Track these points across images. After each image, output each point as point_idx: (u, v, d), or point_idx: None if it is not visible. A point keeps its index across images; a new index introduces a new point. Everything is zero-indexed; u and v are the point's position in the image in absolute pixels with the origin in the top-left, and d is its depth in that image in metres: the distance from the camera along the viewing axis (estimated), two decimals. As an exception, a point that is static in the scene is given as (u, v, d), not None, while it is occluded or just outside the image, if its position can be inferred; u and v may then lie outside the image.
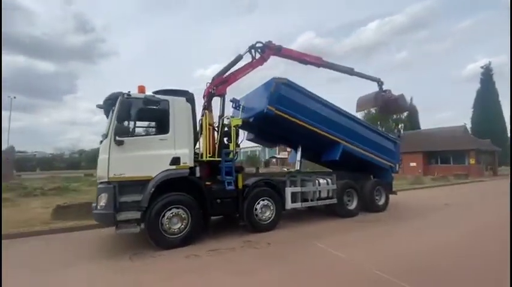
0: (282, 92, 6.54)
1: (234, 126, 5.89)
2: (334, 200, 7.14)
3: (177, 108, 5.23)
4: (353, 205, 7.58)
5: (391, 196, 9.02)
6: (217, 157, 5.67)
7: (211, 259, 4.35)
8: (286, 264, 4.10)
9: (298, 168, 8.28)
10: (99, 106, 4.93)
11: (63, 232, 6.17)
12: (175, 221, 4.89)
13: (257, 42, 7.56)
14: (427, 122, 65.86)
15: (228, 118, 6.13)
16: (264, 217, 5.91)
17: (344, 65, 9.68)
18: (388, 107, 10.43)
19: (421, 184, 16.59)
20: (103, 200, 4.49)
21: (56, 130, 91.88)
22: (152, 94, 5.10)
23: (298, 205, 6.53)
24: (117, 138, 4.54)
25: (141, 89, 5.17)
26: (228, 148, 5.87)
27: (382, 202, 8.28)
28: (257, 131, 8.30)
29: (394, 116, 36.43)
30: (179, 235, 4.90)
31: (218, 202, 5.46)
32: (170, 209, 4.86)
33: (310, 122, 6.92)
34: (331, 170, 9.33)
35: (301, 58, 8.56)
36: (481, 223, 6.57)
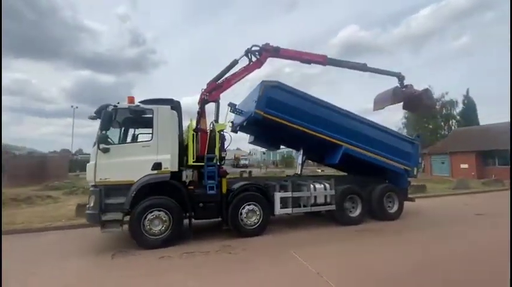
0: (271, 94, 6.41)
1: (218, 131, 5.99)
2: (333, 207, 6.72)
3: (161, 116, 5.53)
4: (356, 212, 7.03)
5: (410, 204, 8.17)
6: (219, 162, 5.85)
7: (181, 262, 4.50)
8: (250, 272, 4.06)
9: (298, 172, 8.03)
10: (91, 117, 5.48)
11: (76, 228, 6.98)
12: (156, 223, 5.18)
13: (253, 45, 7.56)
14: (488, 117, 57.02)
15: (215, 123, 6.24)
16: (249, 222, 5.87)
17: (355, 61, 9.11)
18: (411, 103, 9.47)
19: (466, 188, 14.49)
20: (91, 201, 5.00)
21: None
22: (137, 104, 5.48)
23: (288, 210, 6.32)
24: (102, 146, 5.00)
25: (130, 99, 5.60)
26: (219, 152, 5.98)
27: (394, 209, 7.52)
28: (256, 134, 8.28)
29: (444, 111, 32.47)
30: (160, 236, 5.17)
31: (201, 206, 5.61)
32: (152, 212, 5.16)
33: (304, 125, 6.64)
34: (345, 174, 8.84)
35: (303, 58, 8.29)
36: (496, 240, 5.43)
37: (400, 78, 9.44)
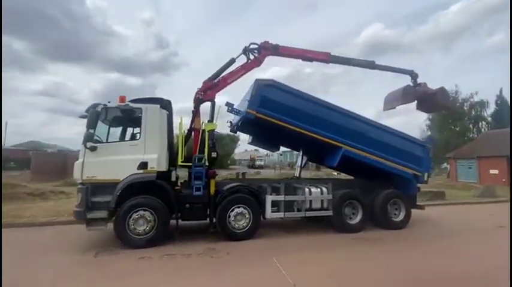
0: (265, 93, 6.17)
1: (207, 131, 5.86)
2: (330, 212, 6.34)
3: (150, 115, 5.50)
4: (356, 219, 6.59)
5: (422, 212, 7.55)
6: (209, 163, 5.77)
7: (160, 263, 4.41)
8: (223, 278, 3.87)
9: (297, 174, 7.70)
10: (81, 116, 5.57)
11: (74, 224, 7.11)
12: (141, 222, 5.15)
13: (251, 43, 7.38)
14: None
15: (206, 123, 6.12)
16: (238, 226, 5.67)
17: (364, 59, 8.63)
18: (425, 103, 8.81)
19: (492, 196, 13.22)
20: (78, 199, 5.07)
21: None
22: (127, 103, 5.50)
23: (280, 214, 6.04)
24: (89, 144, 5.06)
25: (122, 99, 5.62)
26: (209, 152, 5.86)
27: (400, 217, 6.96)
28: (254, 135, 8.07)
29: (473, 113, 30.12)
30: (144, 236, 5.13)
31: (187, 207, 5.51)
32: (137, 211, 5.13)
33: (301, 125, 6.33)
34: (352, 177, 8.36)
35: (304, 55, 7.98)
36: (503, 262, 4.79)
37: (413, 76, 8.81)
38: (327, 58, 8.18)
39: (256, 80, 6.30)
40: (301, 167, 7.73)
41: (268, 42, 7.59)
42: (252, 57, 7.26)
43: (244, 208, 5.76)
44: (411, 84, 8.88)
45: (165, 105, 5.79)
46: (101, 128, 5.41)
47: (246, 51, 7.28)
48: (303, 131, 6.36)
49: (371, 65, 8.62)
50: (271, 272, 4.01)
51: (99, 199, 5.11)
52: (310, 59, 8.15)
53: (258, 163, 48.85)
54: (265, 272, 4.05)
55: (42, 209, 8.69)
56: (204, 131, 5.99)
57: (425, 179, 7.34)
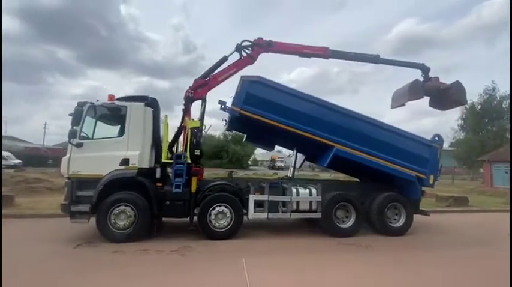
0: (250, 90, 6.02)
1: (190, 129, 5.85)
2: (318, 215, 6.00)
3: (134, 112, 5.62)
4: (348, 223, 6.16)
5: (433, 218, 6.93)
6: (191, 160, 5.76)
7: (128, 258, 4.47)
8: (180, 276, 3.81)
9: (290, 175, 7.42)
10: (70, 114, 5.83)
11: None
12: (122, 217, 5.26)
13: (244, 40, 7.28)
14: None
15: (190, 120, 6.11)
16: (218, 225, 5.57)
17: (367, 53, 8.13)
18: (438, 99, 8.09)
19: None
20: (64, 193, 5.32)
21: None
22: (112, 101, 5.67)
23: (263, 215, 5.83)
24: (75, 141, 5.29)
25: (110, 97, 5.84)
26: (191, 150, 5.86)
27: (400, 223, 6.39)
28: (247, 133, 7.93)
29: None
30: (124, 230, 5.24)
31: (167, 203, 5.53)
32: (118, 206, 5.26)
33: (289, 123, 6.08)
34: (358, 179, 7.88)
35: (301, 51, 7.72)
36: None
37: (424, 70, 8.13)
38: (325, 53, 7.82)
39: (242, 77, 6.18)
40: (295, 167, 7.43)
41: (262, 39, 7.44)
42: (245, 54, 7.16)
43: (226, 207, 5.65)
44: (422, 78, 8.21)
45: (151, 103, 5.88)
46: (89, 125, 5.63)
47: (239, 48, 7.19)
48: (290, 129, 6.11)
49: (375, 60, 8.10)
50: (233, 273, 3.87)
51: (83, 193, 5.32)
52: (307, 55, 7.85)
53: (278, 163, 48.40)
54: (226, 273, 3.91)
55: (56, 202, 9.32)
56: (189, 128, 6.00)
57: (431, 182, 6.66)
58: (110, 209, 5.23)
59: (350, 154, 6.20)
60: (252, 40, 7.41)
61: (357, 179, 8.06)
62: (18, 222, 6.92)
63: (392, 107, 8.61)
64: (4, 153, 28.61)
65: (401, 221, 6.39)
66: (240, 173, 19.29)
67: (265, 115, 6.03)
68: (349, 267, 4.32)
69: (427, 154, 6.72)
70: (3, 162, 26.75)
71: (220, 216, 5.61)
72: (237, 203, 5.72)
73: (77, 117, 5.29)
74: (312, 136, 6.16)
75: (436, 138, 6.93)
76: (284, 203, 5.98)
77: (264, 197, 5.85)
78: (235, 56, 7.20)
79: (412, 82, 7.82)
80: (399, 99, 8.36)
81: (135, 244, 5.07)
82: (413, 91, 7.82)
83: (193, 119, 6.05)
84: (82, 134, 5.47)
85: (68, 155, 5.39)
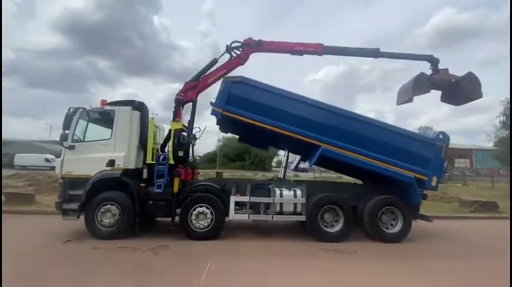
0: (232, 90, 6.01)
1: (173, 130, 5.98)
2: (302, 218, 5.76)
3: (121, 116, 5.92)
4: (336, 227, 5.82)
5: (446, 225, 6.36)
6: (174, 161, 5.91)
7: (105, 254, 4.69)
8: (140, 272, 3.92)
9: (281, 176, 7.22)
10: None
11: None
12: (108, 215, 5.54)
13: (233, 41, 7.32)
14: None
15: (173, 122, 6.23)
16: (199, 225, 5.61)
17: (367, 47, 7.70)
18: (449, 93, 7.38)
19: None
20: (58, 192, 5.76)
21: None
22: (102, 106, 6.03)
23: (244, 216, 5.75)
24: (66, 143, 5.70)
25: (103, 102, 6.22)
26: (174, 151, 5.98)
27: (396, 229, 5.88)
28: (239, 134, 7.89)
29: None
30: (110, 228, 5.51)
31: (150, 203, 5.70)
32: (105, 205, 5.56)
33: (273, 123, 5.95)
34: (362, 182, 7.42)
35: (292, 49, 7.53)
36: None
37: (433, 62, 7.46)
38: (319, 49, 7.55)
39: (224, 78, 6.19)
40: (286, 168, 7.22)
41: (251, 39, 7.40)
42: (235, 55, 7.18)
43: (207, 208, 5.67)
44: (430, 71, 7.54)
45: (138, 106, 6.13)
46: (82, 129, 6.03)
47: (229, 49, 7.23)
48: (274, 129, 5.96)
49: (375, 54, 7.64)
50: (190, 276, 3.84)
51: (75, 192, 5.69)
52: (301, 52, 7.63)
53: (301, 165, 47.30)
54: (185, 275, 3.90)
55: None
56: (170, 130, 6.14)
57: (434, 184, 6.03)
58: (97, 207, 5.53)
59: (337, 154, 5.86)
60: (242, 41, 7.42)
61: (353, 181, 7.61)
62: (32, 218, 7.62)
63: (398, 103, 8.00)
64: (49, 156, 31.92)
65: (398, 227, 5.87)
66: (259, 175, 19.26)
67: (248, 115, 5.97)
68: (313, 274, 4.05)
69: (429, 153, 6.10)
70: (47, 164, 29.93)
71: (201, 217, 5.64)
72: (218, 204, 5.71)
73: (67, 122, 5.70)
74: (297, 136, 5.94)
75: (441, 136, 6.27)
76: (267, 205, 5.84)
77: (245, 199, 5.77)
78: (227, 58, 7.31)
79: (416, 76, 7.20)
80: (404, 95, 7.74)
81: (118, 241, 5.29)
82: (417, 85, 7.19)
83: (176, 121, 6.16)
84: (75, 137, 5.89)
85: (61, 156, 5.83)
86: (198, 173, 7.58)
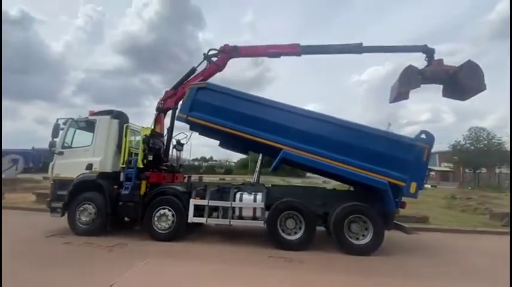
0: (196, 97, 6.20)
1: (143, 136, 6.38)
2: (260, 223, 5.57)
3: (101, 124, 6.56)
4: (297, 235, 5.47)
5: (447, 239, 5.66)
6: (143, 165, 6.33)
7: (71, 249, 5.19)
8: (83, 267, 4.26)
9: (254, 180, 7.07)
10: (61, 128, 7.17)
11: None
12: (85, 214, 6.15)
13: (210, 49, 7.60)
14: None
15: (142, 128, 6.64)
16: (161, 226, 5.85)
17: (348, 43, 7.25)
18: (449, 86, 6.56)
19: None
20: (49, 192, 6.59)
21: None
22: (85, 117, 6.76)
23: (202, 219, 5.78)
24: (56, 150, 6.52)
25: (90, 112, 7.00)
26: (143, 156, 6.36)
27: (365, 240, 5.29)
28: (218, 139, 7.95)
29: None
30: (86, 225, 6.11)
31: (120, 204, 6.14)
32: (84, 204, 6.19)
33: (234, 126, 5.95)
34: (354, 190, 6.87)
35: (269, 52, 7.50)
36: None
37: (428, 53, 6.71)
38: (296, 50, 7.39)
39: (190, 85, 6.41)
40: (260, 172, 7.03)
41: (227, 45, 7.56)
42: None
43: (169, 210, 5.89)
44: (425, 63, 6.76)
45: (116, 115, 6.72)
46: (70, 136, 6.83)
47: (207, 57, 7.51)
48: (236, 132, 5.95)
49: (358, 49, 7.18)
50: (120, 272, 4.03)
51: (62, 193, 6.44)
52: (278, 55, 7.54)
53: None
54: (118, 271, 4.08)
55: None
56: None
57: (413, 191, 5.26)
58: (77, 206, 6.19)
59: (298, 157, 5.56)
60: (218, 48, 7.62)
61: (347, 187, 7.01)
62: (38, 215, 8.50)
63: (390, 101, 7.25)
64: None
65: (367, 238, 5.26)
66: (293, 181, 18.99)
67: (211, 119, 6.07)
68: (237, 282, 3.89)
69: (408, 155, 5.37)
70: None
71: (163, 218, 5.88)
72: (180, 206, 5.88)
73: (55, 131, 6.53)
74: (257, 139, 5.82)
75: (423, 135, 5.47)
76: (224, 209, 5.80)
77: (204, 202, 5.82)
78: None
79: (405, 69, 6.48)
80: (393, 92, 7.01)
81: (90, 238, 5.82)
82: (405, 80, 6.49)
83: (145, 127, 6.58)
84: (65, 144, 6.70)
85: (53, 161, 6.69)
86: (185, 177, 7.82)
